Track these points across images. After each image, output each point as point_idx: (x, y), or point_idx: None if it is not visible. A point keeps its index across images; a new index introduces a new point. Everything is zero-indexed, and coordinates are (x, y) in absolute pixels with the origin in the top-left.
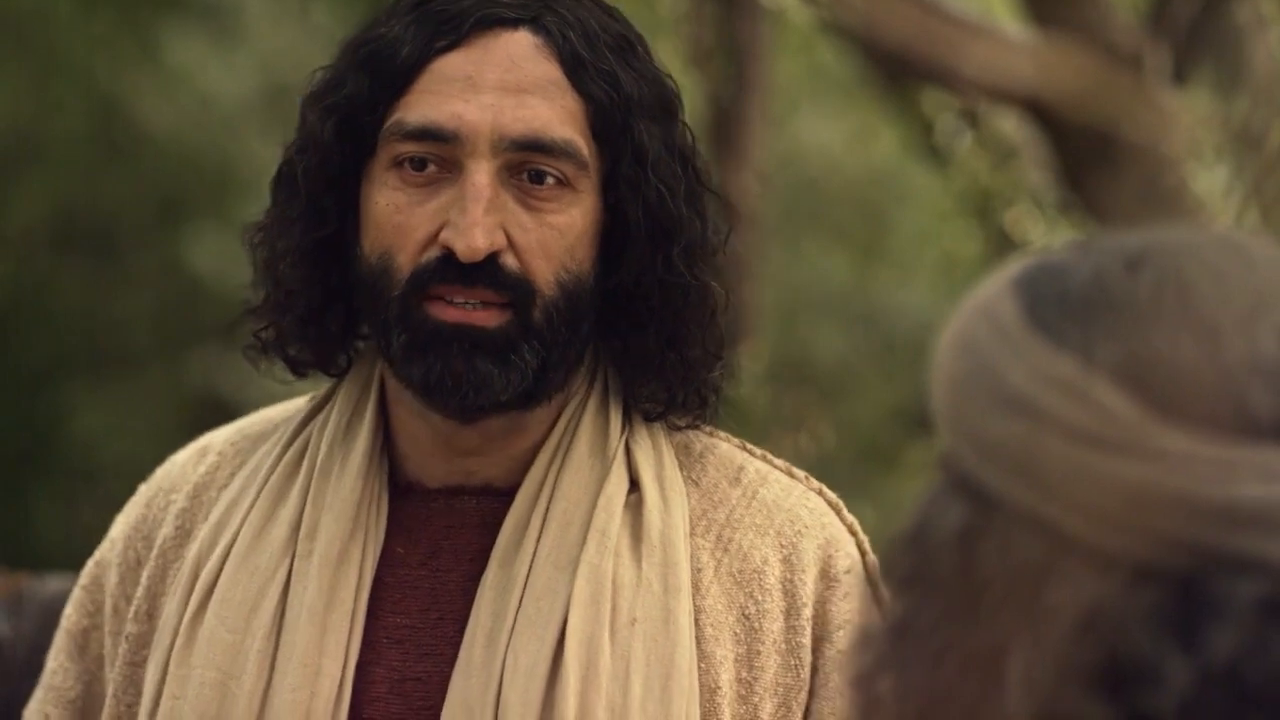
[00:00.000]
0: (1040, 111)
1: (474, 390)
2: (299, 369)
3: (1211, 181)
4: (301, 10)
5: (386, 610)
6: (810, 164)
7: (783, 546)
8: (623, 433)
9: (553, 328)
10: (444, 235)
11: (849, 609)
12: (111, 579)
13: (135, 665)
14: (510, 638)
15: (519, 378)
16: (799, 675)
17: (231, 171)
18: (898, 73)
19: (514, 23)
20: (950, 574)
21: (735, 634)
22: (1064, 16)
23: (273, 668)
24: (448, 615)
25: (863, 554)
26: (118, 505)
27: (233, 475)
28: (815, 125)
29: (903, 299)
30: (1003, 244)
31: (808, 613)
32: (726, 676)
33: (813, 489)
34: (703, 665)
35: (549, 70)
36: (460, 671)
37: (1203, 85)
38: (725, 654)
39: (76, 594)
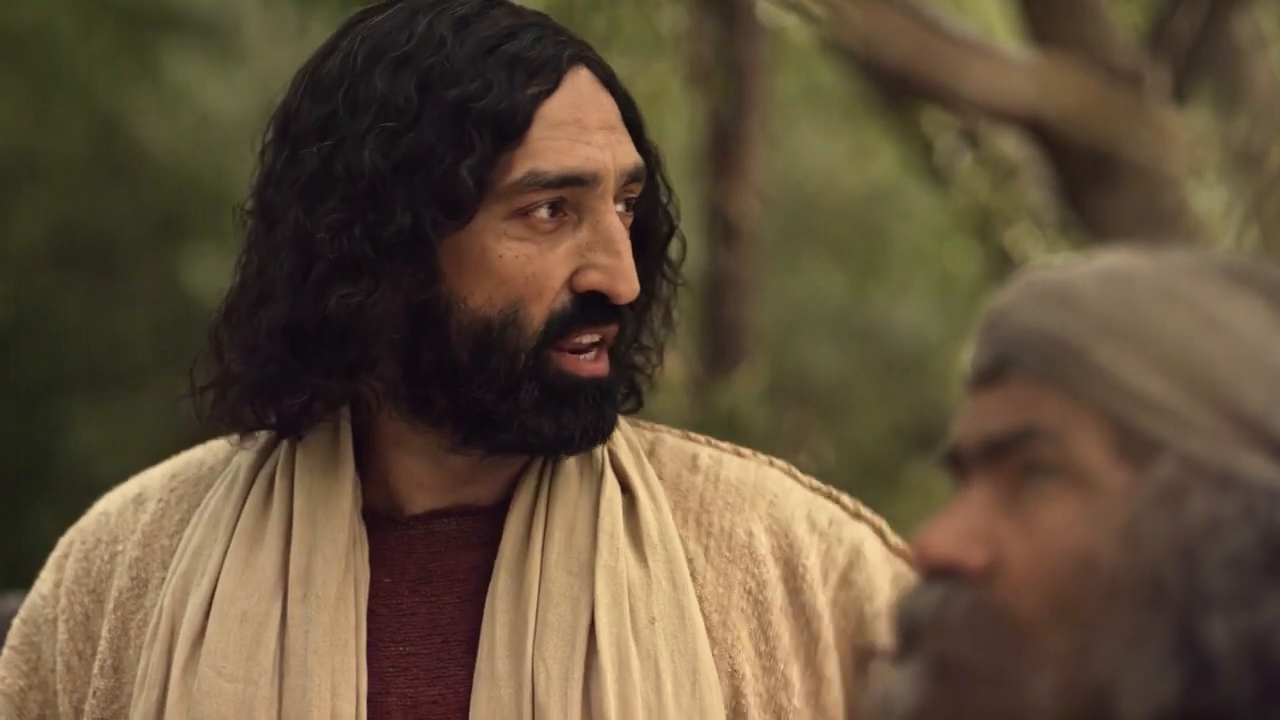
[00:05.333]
0: (1040, 130)
1: (601, 438)
2: (252, 428)
3: (1211, 200)
4: (300, 28)
5: (387, 640)
6: (809, 182)
7: (761, 518)
8: None
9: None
10: (590, 279)
11: (839, 556)
12: (59, 635)
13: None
14: (535, 646)
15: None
16: (813, 631)
17: (230, 190)
18: (897, 91)
19: (579, 60)
20: (1262, 558)
21: (743, 611)
22: (1064, 36)
23: (280, 713)
24: (451, 638)
25: (838, 503)
26: None
27: (182, 521)
28: (814, 144)
29: (901, 317)
30: (1002, 263)
31: (805, 574)
32: (743, 656)
33: (763, 462)
34: (716, 653)
35: (610, 101)
36: (484, 684)
37: (1203, 104)
38: (738, 636)
39: (7, 655)
